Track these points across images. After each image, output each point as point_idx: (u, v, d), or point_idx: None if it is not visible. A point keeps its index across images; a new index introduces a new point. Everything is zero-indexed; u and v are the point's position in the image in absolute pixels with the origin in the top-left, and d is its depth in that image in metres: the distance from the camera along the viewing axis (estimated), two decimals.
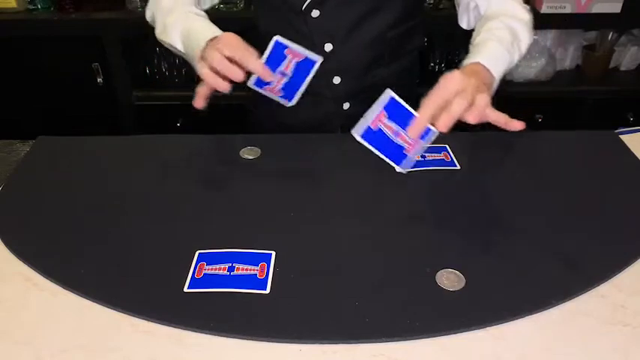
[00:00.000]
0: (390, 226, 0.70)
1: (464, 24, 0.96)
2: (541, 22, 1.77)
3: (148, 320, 0.57)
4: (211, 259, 0.63)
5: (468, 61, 0.77)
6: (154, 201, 0.74)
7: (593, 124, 1.93)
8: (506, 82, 1.91)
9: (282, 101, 0.82)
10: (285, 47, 0.76)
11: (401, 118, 0.69)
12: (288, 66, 0.77)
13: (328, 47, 0.90)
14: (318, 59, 0.78)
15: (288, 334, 0.55)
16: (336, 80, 0.93)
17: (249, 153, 0.83)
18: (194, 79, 0.77)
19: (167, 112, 1.84)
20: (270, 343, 0.55)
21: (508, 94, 1.92)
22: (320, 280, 0.61)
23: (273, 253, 0.64)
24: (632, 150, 0.85)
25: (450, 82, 0.68)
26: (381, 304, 0.59)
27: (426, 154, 0.82)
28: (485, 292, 0.60)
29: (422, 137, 0.69)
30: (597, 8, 1.73)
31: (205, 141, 0.88)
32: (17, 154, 0.89)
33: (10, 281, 0.62)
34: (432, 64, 1.94)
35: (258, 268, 0.62)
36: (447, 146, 0.84)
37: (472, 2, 0.90)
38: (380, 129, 0.69)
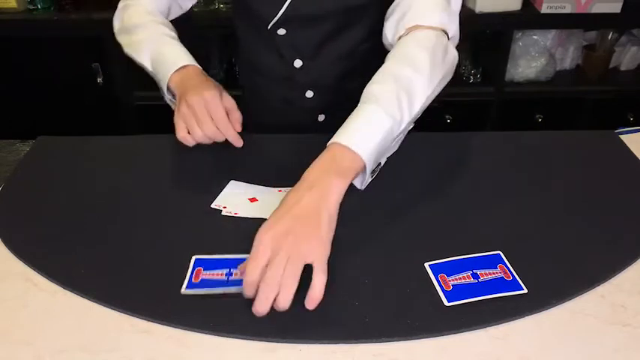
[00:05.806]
0: (390, 225, 0.70)
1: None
2: (541, 22, 1.79)
3: (148, 320, 0.57)
4: (208, 265, 0.62)
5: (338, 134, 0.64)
6: (154, 201, 0.74)
7: (593, 124, 1.93)
8: (506, 83, 1.91)
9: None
10: None
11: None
12: None
13: (298, 63, 0.90)
14: None
15: (288, 334, 0.55)
16: (309, 94, 0.94)
17: None
18: None
19: (167, 113, 1.83)
20: (270, 343, 0.55)
21: (508, 94, 1.92)
22: None
23: None
24: (632, 150, 0.85)
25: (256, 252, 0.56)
26: (381, 304, 0.59)
27: (478, 271, 0.62)
28: None
29: None
30: (597, 8, 1.73)
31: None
32: (17, 154, 0.89)
33: (10, 281, 0.62)
34: None
35: None
36: (500, 253, 0.64)
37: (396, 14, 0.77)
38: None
